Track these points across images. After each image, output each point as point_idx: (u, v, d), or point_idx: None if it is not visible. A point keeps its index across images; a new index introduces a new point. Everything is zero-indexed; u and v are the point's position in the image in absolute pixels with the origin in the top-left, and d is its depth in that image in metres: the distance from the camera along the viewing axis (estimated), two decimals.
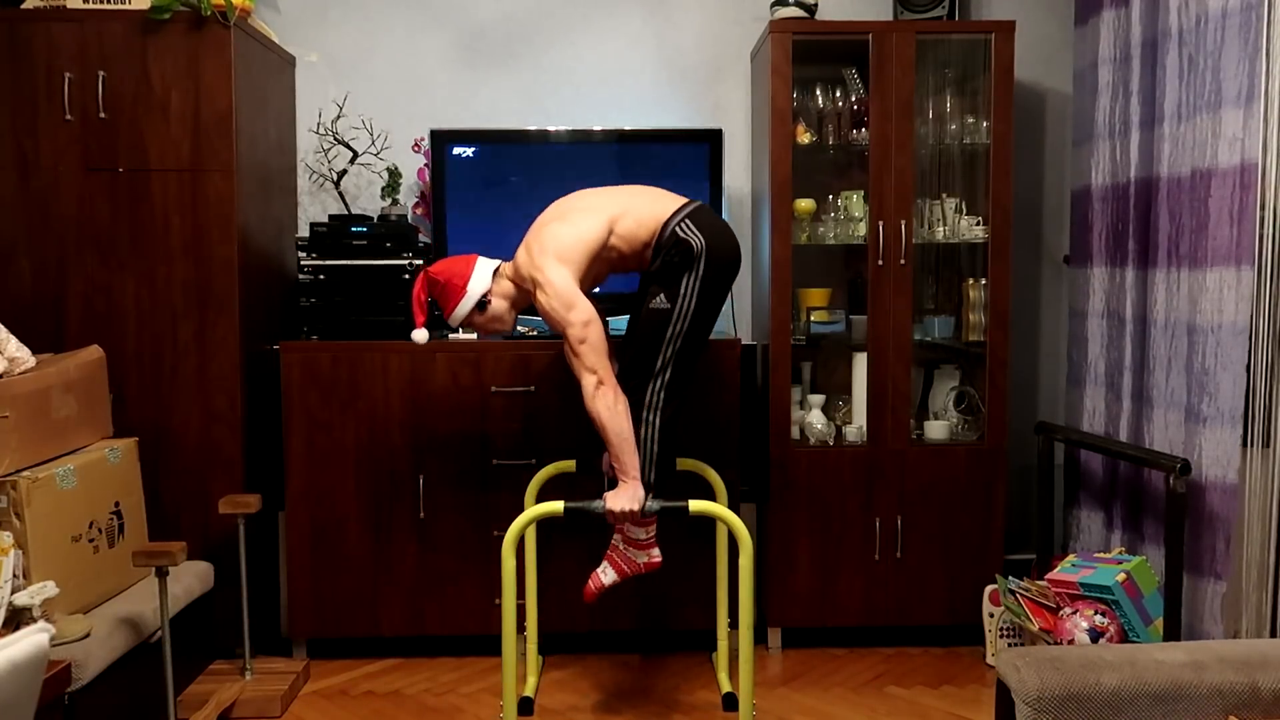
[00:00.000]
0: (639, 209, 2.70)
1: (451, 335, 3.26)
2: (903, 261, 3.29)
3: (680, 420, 2.75)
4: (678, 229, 2.64)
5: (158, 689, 2.60)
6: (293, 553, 3.22)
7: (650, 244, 2.68)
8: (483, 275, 2.73)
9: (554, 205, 2.79)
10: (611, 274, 2.82)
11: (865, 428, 3.34)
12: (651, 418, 2.65)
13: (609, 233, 2.66)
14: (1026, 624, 3.00)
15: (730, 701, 2.94)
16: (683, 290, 2.61)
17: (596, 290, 2.79)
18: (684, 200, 2.73)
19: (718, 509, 2.49)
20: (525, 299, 2.76)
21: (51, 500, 2.54)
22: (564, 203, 2.78)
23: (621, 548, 2.71)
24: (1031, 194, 3.76)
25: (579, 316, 2.56)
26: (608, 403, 2.54)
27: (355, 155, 3.49)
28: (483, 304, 2.73)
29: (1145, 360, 3.03)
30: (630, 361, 2.67)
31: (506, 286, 2.75)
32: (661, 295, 2.63)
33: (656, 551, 2.71)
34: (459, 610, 3.25)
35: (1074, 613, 2.81)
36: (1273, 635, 2.67)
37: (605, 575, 2.70)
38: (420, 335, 2.74)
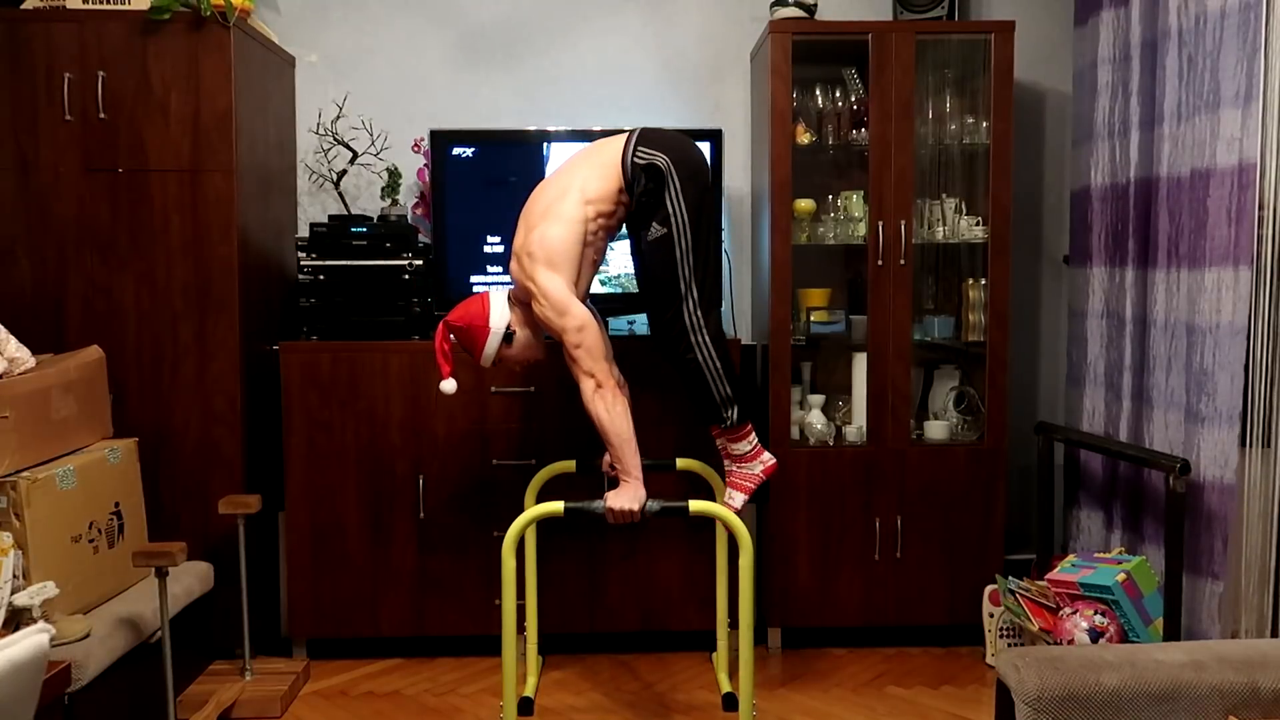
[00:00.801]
0: (597, 165, 2.69)
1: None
2: (902, 261, 3.29)
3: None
4: (636, 158, 2.64)
5: (158, 689, 2.60)
6: (293, 553, 3.22)
7: (622, 188, 2.68)
8: (500, 307, 2.71)
9: (529, 204, 2.76)
10: (610, 240, 2.80)
11: (865, 428, 3.34)
12: (701, 339, 2.64)
13: (586, 204, 2.65)
14: (1026, 624, 3.00)
15: (730, 701, 2.94)
16: (670, 209, 2.61)
17: (601, 281, 2.75)
18: (626, 131, 2.74)
19: (718, 509, 2.49)
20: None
21: (51, 500, 2.54)
22: (538, 198, 2.75)
23: (736, 469, 2.74)
24: (1031, 194, 3.76)
25: (573, 322, 2.55)
26: (606, 404, 2.54)
27: (355, 155, 3.49)
28: (509, 336, 2.72)
29: (1145, 360, 3.04)
30: (655, 300, 2.67)
31: (521, 313, 2.74)
32: (653, 224, 2.63)
33: (768, 455, 2.76)
34: (459, 610, 3.25)
35: (1074, 613, 2.81)
36: (1273, 635, 2.67)
37: (735, 500, 2.73)
38: (448, 386, 2.68)
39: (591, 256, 2.71)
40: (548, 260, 2.59)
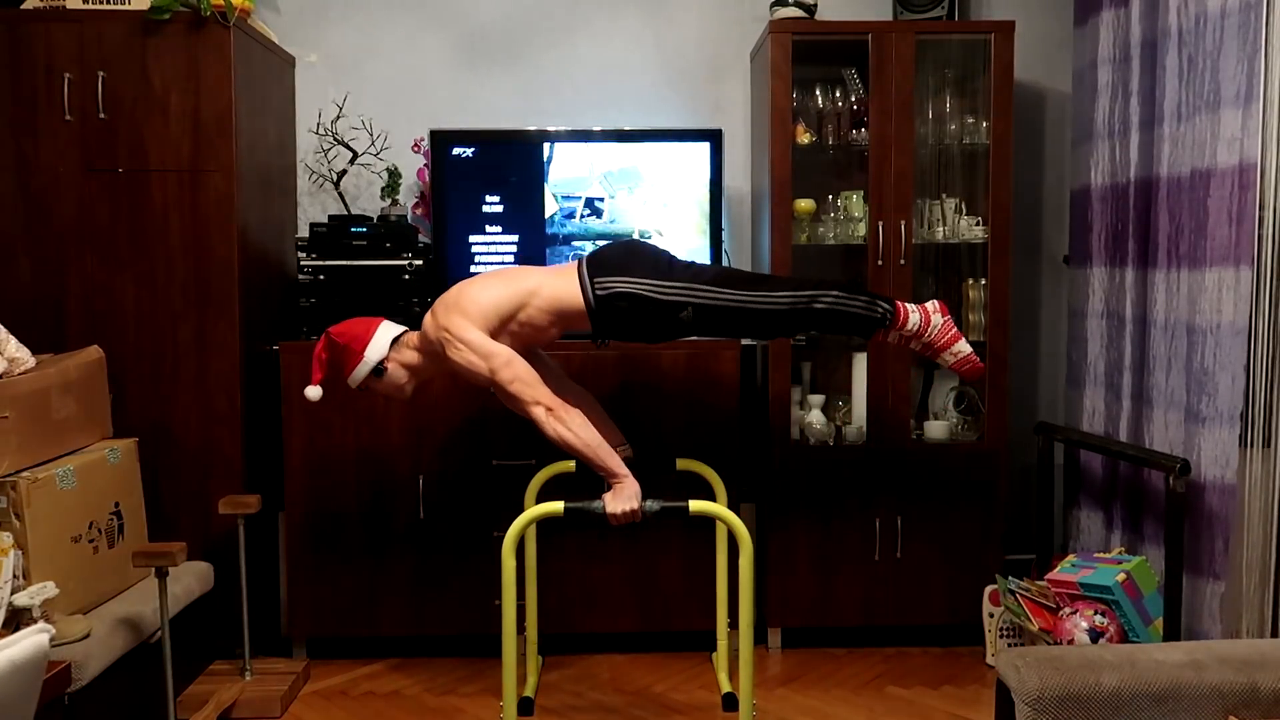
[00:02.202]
0: (554, 289, 2.63)
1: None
2: (902, 261, 3.29)
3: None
4: (597, 292, 2.58)
5: (158, 689, 2.60)
6: (293, 553, 3.22)
7: (579, 314, 2.62)
8: (381, 342, 2.68)
9: (490, 272, 2.76)
10: (535, 345, 2.74)
11: (865, 428, 3.34)
12: (793, 297, 2.59)
13: (522, 304, 2.61)
14: (1026, 624, 3.00)
15: (730, 701, 2.94)
16: (669, 297, 2.57)
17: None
18: (570, 266, 2.68)
19: (718, 509, 2.49)
20: (432, 367, 2.70)
21: (51, 500, 2.54)
22: (479, 277, 2.74)
23: (929, 340, 2.67)
24: (1031, 194, 3.76)
25: (498, 361, 2.52)
26: (565, 423, 2.51)
27: (355, 155, 3.49)
28: (379, 370, 2.69)
29: (1145, 360, 3.03)
30: (758, 332, 2.69)
31: (409, 356, 2.69)
32: (679, 316, 2.59)
33: (932, 305, 2.68)
34: (459, 610, 3.25)
35: (1074, 613, 2.81)
36: (1273, 635, 2.67)
37: (962, 348, 2.67)
38: (313, 392, 2.67)
39: (514, 341, 2.63)
40: (461, 310, 2.57)
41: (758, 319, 2.64)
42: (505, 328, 2.61)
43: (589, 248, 3.28)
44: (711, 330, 2.70)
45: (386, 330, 2.71)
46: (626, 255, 2.68)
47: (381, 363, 2.68)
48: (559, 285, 2.63)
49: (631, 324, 2.65)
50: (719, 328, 2.69)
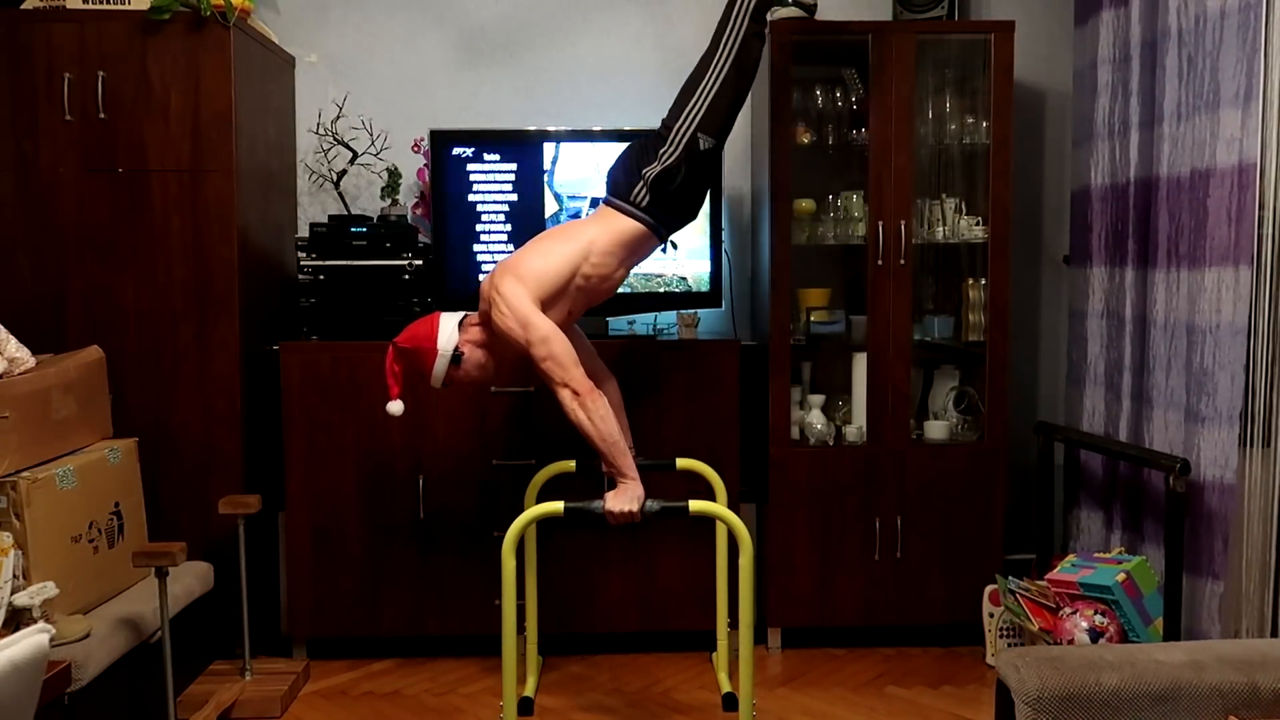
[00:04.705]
0: (609, 229, 2.69)
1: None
2: (902, 261, 3.29)
3: None
4: (640, 205, 2.68)
5: (158, 689, 2.60)
6: (293, 553, 3.22)
7: (641, 234, 2.70)
8: (448, 330, 2.68)
9: (546, 233, 2.81)
10: (589, 306, 2.78)
11: (865, 428, 3.34)
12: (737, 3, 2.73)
13: (584, 257, 2.65)
14: (1026, 624, 3.00)
15: (730, 701, 2.94)
16: (679, 149, 2.69)
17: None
18: (600, 212, 2.76)
19: (718, 509, 2.49)
20: (504, 343, 2.69)
21: (51, 500, 2.54)
22: (553, 230, 2.81)
23: None
24: (1031, 194, 3.76)
25: (536, 334, 2.53)
26: (588, 411, 2.52)
27: (355, 155, 3.49)
28: (457, 357, 2.68)
29: (1145, 360, 3.03)
30: (735, 73, 2.73)
31: (476, 334, 2.70)
32: (701, 150, 2.70)
33: None
34: (459, 610, 3.25)
35: (1074, 613, 2.81)
36: (1273, 635, 2.67)
37: None
38: (395, 407, 2.68)
39: (564, 309, 2.67)
40: (517, 276, 2.59)
41: (734, 69, 2.72)
42: (567, 289, 2.65)
43: None
44: (728, 114, 2.76)
45: (448, 319, 2.72)
46: (626, 166, 2.74)
47: (456, 349, 2.68)
48: (609, 226, 2.70)
49: (680, 199, 2.72)
50: (728, 110, 2.76)
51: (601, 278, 2.69)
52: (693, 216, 2.84)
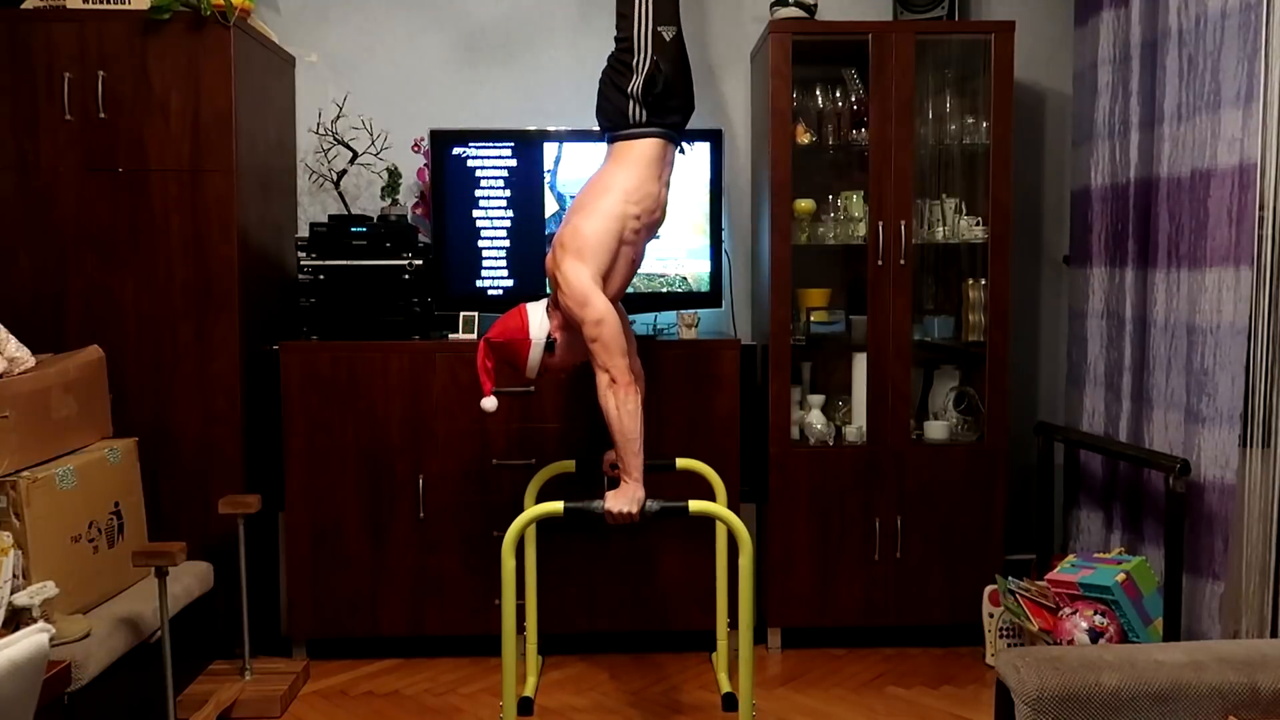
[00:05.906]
0: (636, 165, 2.75)
1: (452, 336, 3.26)
2: (902, 262, 3.29)
3: None
4: (643, 120, 2.75)
5: (157, 689, 2.60)
6: (292, 553, 3.22)
7: (661, 149, 2.77)
8: (537, 318, 2.71)
9: (580, 192, 2.82)
10: (651, 238, 2.85)
11: (865, 428, 3.34)
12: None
13: (627, 203, 2.69)
14: (1026, 624, 3.00)
15: (730, 701, 2.94)
16: (644, 49, 2.79)
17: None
18: (609, 158, 2.82)
19: (718, 509, 2.49)
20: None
21: (51, 500, 2.54)
22: (581, 194, 2.81)
23: None
24: (1031, 194, 3.76)
25: (591, 315, 2.56)
26: (618, 401, 2.53)
27: (355, 155, 3.49)
28: (550, 344, 2.71)
29: (1145, 360, 3.03)
30: None
31: (559, 317, 2.72)
32: (666, 40, 2.80)
33: None
34: (459, 610, 3.25)
35: (1074, 613, 2.81)
36: (1273, 635, 2.67)
37: None
38: (489, 403, 2.71)
39: (630, 255, 2.74)
40: (577, 251, 2.62)
41: None
42: (623, 236, 2.69)
43: None
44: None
45: (535, 308, 2.74)
46: (609, 96, 2.81)
47: (549, 335, 2.70)
48: (630, 158, 2.75)
49: (672, 94, 2.77)
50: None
51: (649, 209, 2.75)
52: (693, 105, 2.89)
